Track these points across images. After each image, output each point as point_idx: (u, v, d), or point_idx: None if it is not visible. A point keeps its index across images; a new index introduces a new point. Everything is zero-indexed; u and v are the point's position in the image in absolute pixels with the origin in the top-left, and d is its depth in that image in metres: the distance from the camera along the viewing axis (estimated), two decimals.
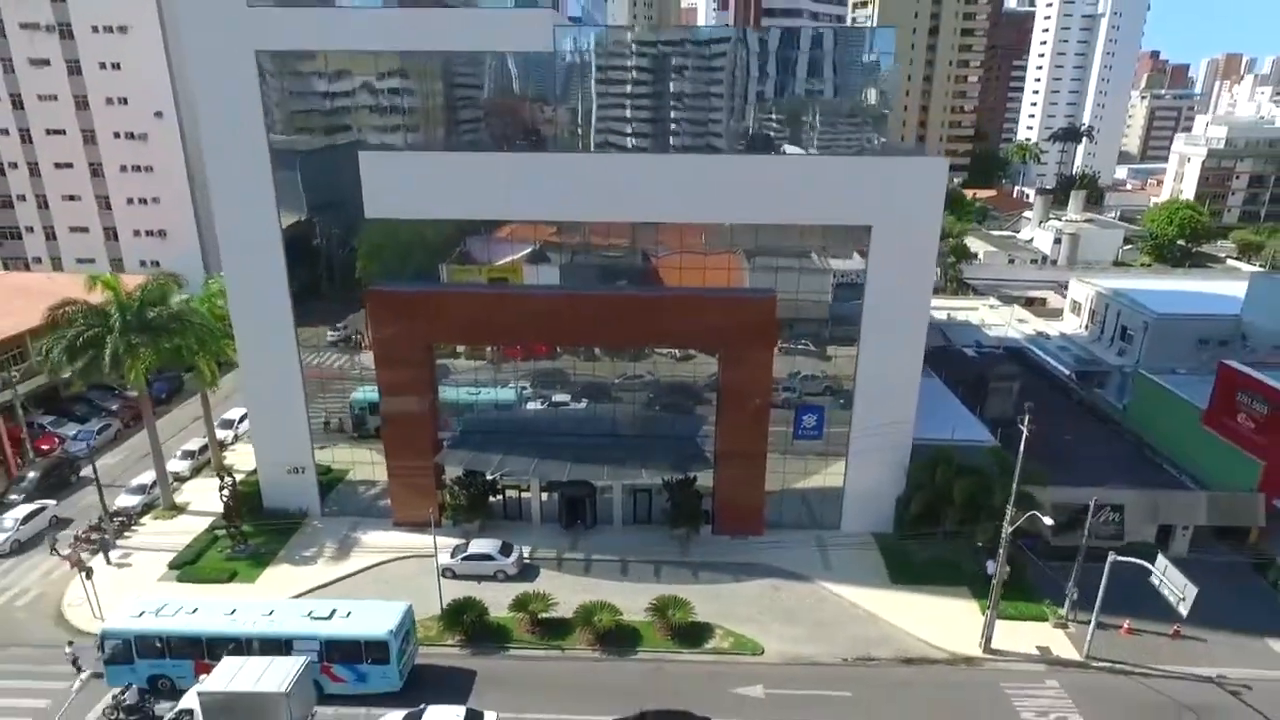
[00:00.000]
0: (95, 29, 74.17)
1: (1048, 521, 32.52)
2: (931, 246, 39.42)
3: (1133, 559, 32.49)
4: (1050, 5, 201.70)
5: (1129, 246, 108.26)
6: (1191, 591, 29.62)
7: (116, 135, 77.27)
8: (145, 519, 45.88)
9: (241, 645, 31.65)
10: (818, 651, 35.27)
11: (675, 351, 42.70)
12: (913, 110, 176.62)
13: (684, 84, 40.61)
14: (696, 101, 41.03)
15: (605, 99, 40.26)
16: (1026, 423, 32.97)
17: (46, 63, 75.26)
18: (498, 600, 36.80)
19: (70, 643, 33.85)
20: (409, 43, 37.90)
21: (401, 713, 30.44)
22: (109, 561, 41.23)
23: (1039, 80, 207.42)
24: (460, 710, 30.12)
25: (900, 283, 38.81)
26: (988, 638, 35.18)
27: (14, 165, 78.77)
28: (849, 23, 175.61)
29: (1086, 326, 68.97)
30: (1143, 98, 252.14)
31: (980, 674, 34.18)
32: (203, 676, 30.61)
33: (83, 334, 41.16)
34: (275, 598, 36.38)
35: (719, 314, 40.04)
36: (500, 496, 44.60)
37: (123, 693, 31.22)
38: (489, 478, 43.53)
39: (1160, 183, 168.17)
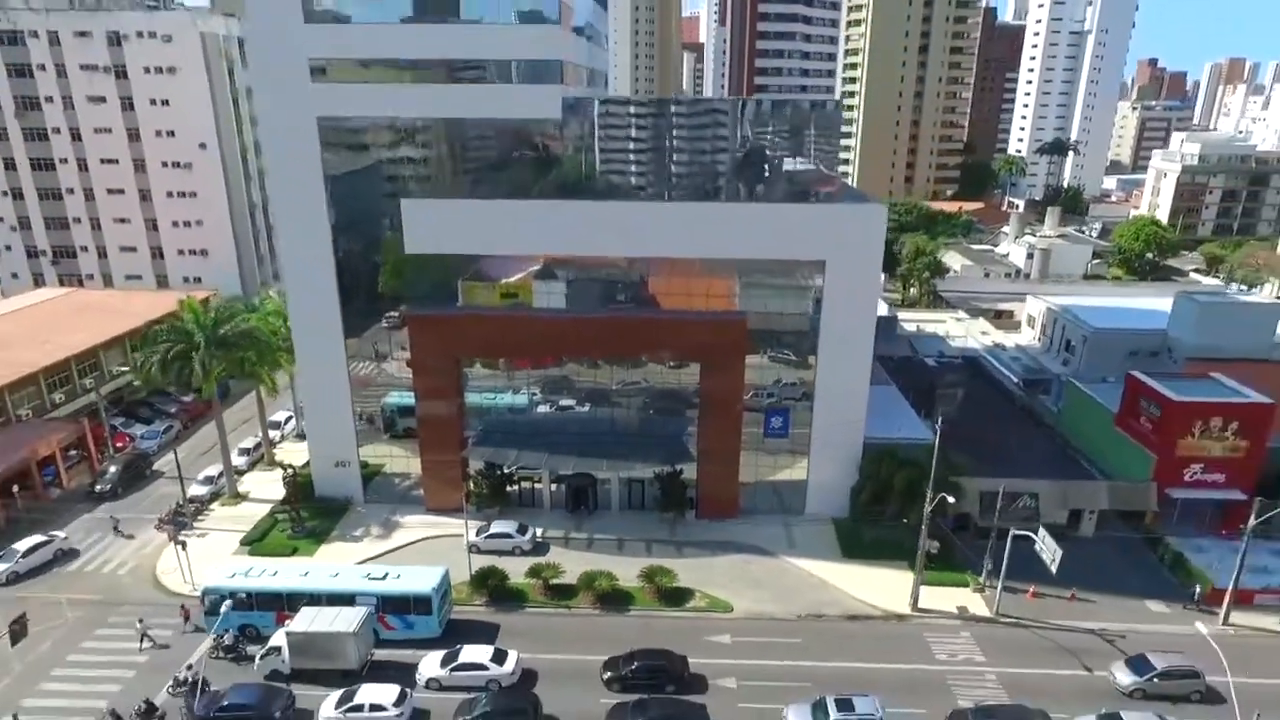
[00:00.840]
0: (147, 70, 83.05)
1: (950, 500, 40.76)
2: (875, 276, 47.84)
3: (1027, 533, 40.75)
4: (1039, 21, 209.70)
5: (1098, 260, 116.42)
6: (1059, 554, 37.93)
7: (164, 164, 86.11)
8: (213, 505, 54.38)
9: (314, 600, 40.06)
10: (777, 610, 43.57)
11: (664, 363, 51.08)
12: (904, 126, 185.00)
13: (674, 142, 49.07)
14: (686, 156, 49.49)
15: (607, 154, 48.74)
16: (940, 423, 41.18)
17: (103, 100, 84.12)
18: (516, 570, 45.16)
19: (140, 620, 41.70)
20: (442, 110, 46.42)
21: (441, 653, 38.80)
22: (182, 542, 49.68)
23: (1029, 94, 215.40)
24: (489, 649, 38.48)
25: (849, 306, 47.13)
26: (915, 599, 43.45)
27: (71, 191, 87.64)
28: (844, 38, 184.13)
29: (1039, 339, 77.25)
30: (1134, 108, 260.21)
31: (908, 627, 42.42)
32: (287, 622, 39.04)
33: (172, 349, 49.73)
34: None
35: (700, 332, 48.41)
36: (516, 486, 53.01)
37: (221, 636, 39.68)
38: (506, 470, 52.01)
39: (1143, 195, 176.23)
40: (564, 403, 53.42)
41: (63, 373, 61.87)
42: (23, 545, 47.30)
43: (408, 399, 52.40)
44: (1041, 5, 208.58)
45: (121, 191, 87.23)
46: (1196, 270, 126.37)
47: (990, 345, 79.42)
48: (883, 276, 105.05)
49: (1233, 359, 60.36)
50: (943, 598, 44.32)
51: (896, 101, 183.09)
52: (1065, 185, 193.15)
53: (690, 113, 58.06)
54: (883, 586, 45.27)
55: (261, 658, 38.20)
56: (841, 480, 50.83)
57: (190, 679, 36.61)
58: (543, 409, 52.90)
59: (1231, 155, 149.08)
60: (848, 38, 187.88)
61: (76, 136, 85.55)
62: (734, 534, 50.18)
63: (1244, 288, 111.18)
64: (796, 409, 50.54)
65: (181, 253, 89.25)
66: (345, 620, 38.15)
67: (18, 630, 35.37)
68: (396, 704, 34.96)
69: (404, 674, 37.69)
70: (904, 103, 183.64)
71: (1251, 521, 41.05)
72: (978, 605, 43.97)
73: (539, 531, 49.93)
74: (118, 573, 47.35)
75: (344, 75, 45.42)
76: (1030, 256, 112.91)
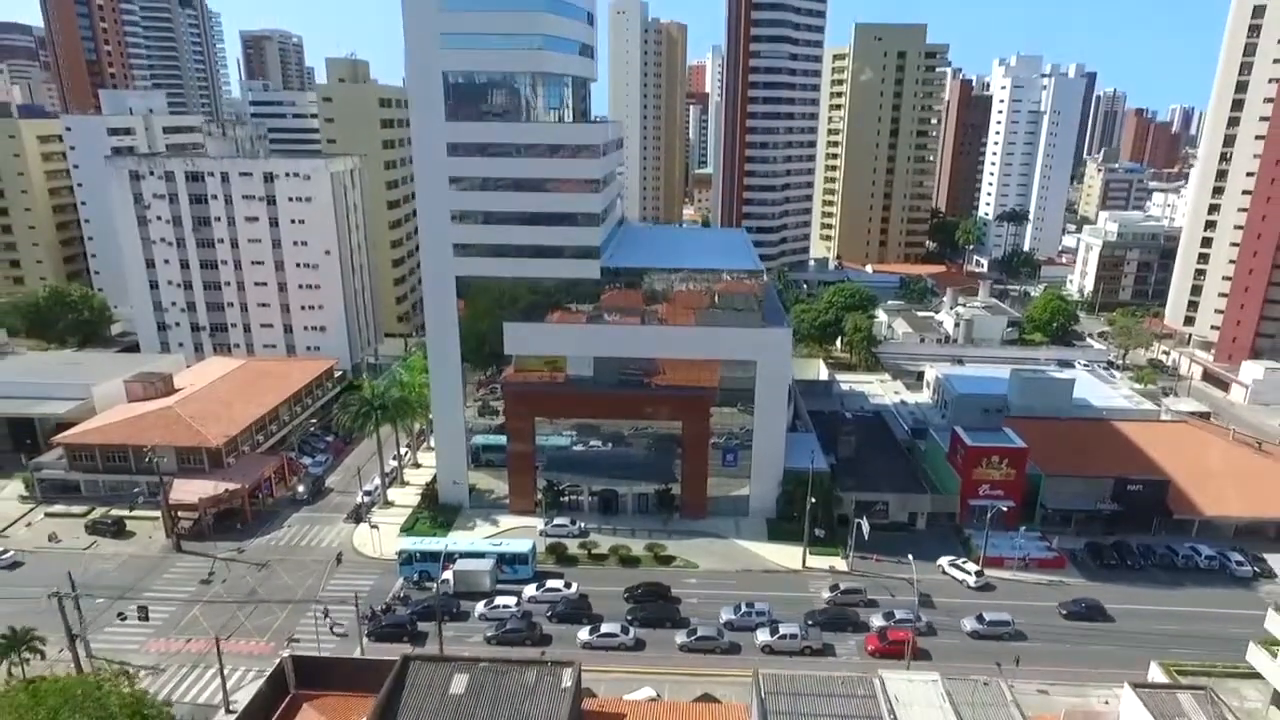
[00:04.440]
0: (290, 198, 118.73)
1: (806, 500, 74.71)
2: (785, 369, 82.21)
3: (861, 520, 74.43)
4: (1002, 101, 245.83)
5: (1012, 328, 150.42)
6: (866, 528, 71.59)
7: (297, 265, 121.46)
8: (374, 509, 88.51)
9: (462, 556, 74.07)
10: (725, 567, 77.21)
11: (659, 419, 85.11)
12: (878, 198, 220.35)
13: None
14: (678, 302, 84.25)
15: (621, 298, 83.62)
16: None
17: (256, 219, 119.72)
18: (571, 546, 79.05)
19: (326, 611, 75.27)
20: (527, 271, 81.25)
21: (534, 585, 72.51)
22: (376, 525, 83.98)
23: (994, 165, 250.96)
24: (561, 582, 72.34)
25: (772, 386, 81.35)
26: (804, 561, 77.07)
27: (228, 284, 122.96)
28: (826, 118, 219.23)
29: (931, 398, 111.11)
30: (1099, 170, 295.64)
31: (797, 576, 75.97)
32: (448, 569, 72.93)
33: (360, 409, 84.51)
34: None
35: (681, 402, 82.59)
36: (567, 496, 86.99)
37: (409, 578, 73.62)
38: (561, 487, 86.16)
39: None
40: (594, 442, 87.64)
41: (261, 420, 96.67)
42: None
43: (489, 439, 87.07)
44: (1004, 87, 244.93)
45: (265, 284, 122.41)
46: (1102, 333, 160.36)
47: (899, 402, 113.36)
48: (837, 342, 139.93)
49: (1041, 416, 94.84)
50: (822, 562, 77.92)
51: (871, 177, 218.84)
52: (1018, 250, 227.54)
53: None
54: (790, 555, 78.79)
55: (439, 584, 72.26)
56: (771, 493, 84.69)
57: (387, 605, 70.28)
58: (578, 447, 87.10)
59: (1144, 233, 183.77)
60: (830, 119, 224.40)
61: (234, 244, 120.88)
62: (703, 526, 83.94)
63: (1122, 352, 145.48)
64: (742, 449, 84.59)
65: (306, 329, 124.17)
66: (482, 565, 72.31)
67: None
68: (515, 605, 68.91)
69: (514, 596, 71.69)
70: (877, 178, 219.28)
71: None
72: (841, 566, 77.58)
73: (582, 524, 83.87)
74: (330, 546, 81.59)
75: (475, 251, 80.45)
76: (958, 325, 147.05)
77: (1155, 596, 74.04)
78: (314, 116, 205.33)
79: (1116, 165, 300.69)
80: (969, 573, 75.38)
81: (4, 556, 77.77)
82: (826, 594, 71.98)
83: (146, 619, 62.78)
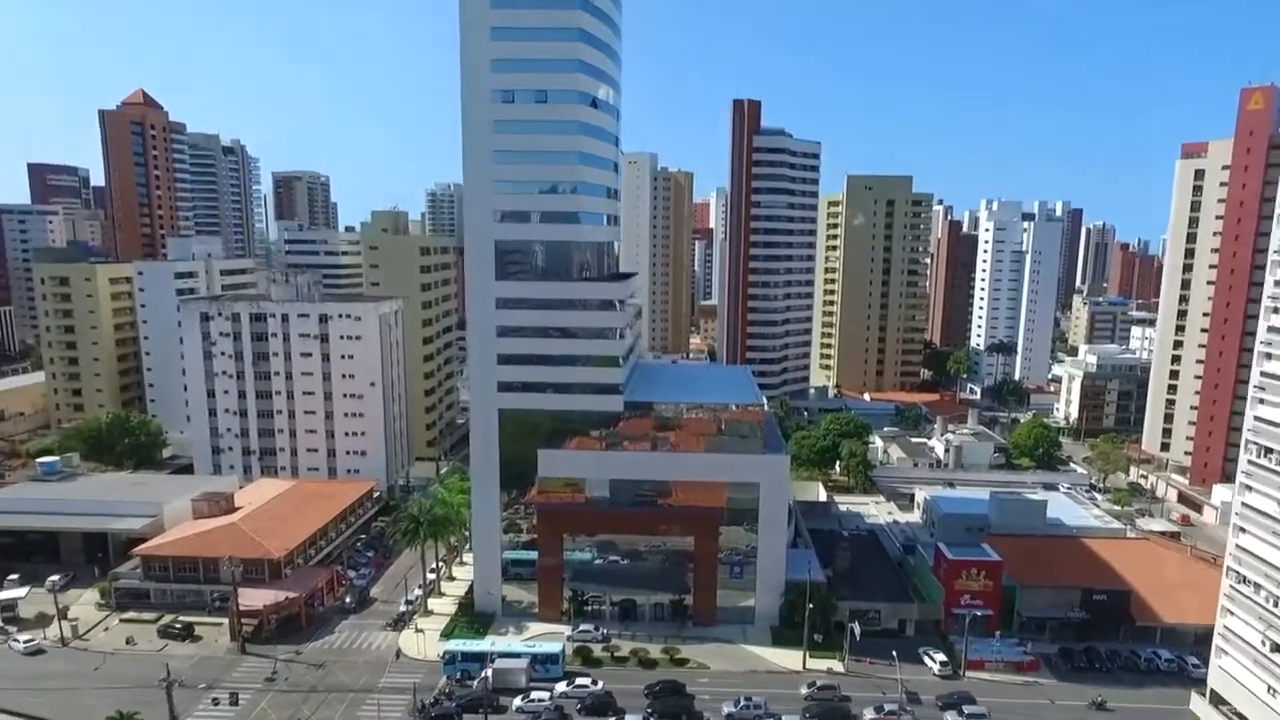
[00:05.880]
0: (341, 336, 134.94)
1: (806, 608, 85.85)
2: (785, 491, 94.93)
3: (853, 625, 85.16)
4: (987, 242, 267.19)
5: (999, 454, 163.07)
6: (858, 631, 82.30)
7: (344, 395, 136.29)
8: (415, 616, 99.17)
9: (500, 656, 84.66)
10: (733, 668, 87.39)
11: (672, 535, 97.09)
12: (873, 332, 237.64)
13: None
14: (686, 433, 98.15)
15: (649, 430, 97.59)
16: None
17: (310, 354, 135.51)
18: (595, 649, 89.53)
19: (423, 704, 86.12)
20: (554, 404, 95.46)
21: (564, 683, 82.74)
22: (421, 630, 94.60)
23: (983, 299, 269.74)
24: (589, 679, 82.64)
25: (772, 503, 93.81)
26: (804, 663, 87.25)
27: (279, 411, 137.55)
28: (822, 258, 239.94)
29: (921, 518, 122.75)
30: (1085, 304, 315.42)
31: (798, 676, 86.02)
32: (487, 669, 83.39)
33: (409, 525, 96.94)
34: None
35: (692, 519, 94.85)
36: (591, 605, 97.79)
37: (452, 677, 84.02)
38: (585, 596, 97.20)
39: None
40: (613, 557, 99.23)
41: (313, 536, 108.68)
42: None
43: (517, 554, 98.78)
44: (988, 229, 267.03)
45: (313, 412, 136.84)
46: (1086, 458, 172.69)
47: (892, 521, 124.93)
48: (836, 466, 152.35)
49: (1018, 534, 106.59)
50: (821, 664, 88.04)
51: (866, 311, 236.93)
52: (1008, 379, 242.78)
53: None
54: (792, 658, 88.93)
55: (478, 682, 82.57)
56: (774, 602, 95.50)
57: (435, 699, 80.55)
58: (599, 561, 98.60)
59: (1121, 364, 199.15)
60: (826, 258, 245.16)
61: (288, 377, 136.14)
62: (714, 632, 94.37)
63: (1102, 476, 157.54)
64: (748, 563, 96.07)
65: (348, 453, 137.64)
66: (518, 664, 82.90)
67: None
68: (549, 700, 79.12)
69: (546, 691, 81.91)
70: (872, 312, 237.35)
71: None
72: (839, 668, 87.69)
73: (604, 630, 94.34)
74: (379, 649, 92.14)
75: (516, 388, 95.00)
76: (948, 450, 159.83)
77: (1121, 695, 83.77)
78: (344, 254, 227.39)
79: (1101, 299, 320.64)
80: (936, 661, 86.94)
81: (29, 644, 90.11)
82: (804, 690, 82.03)
83: (237, 704, 73.34)
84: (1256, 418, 71.60)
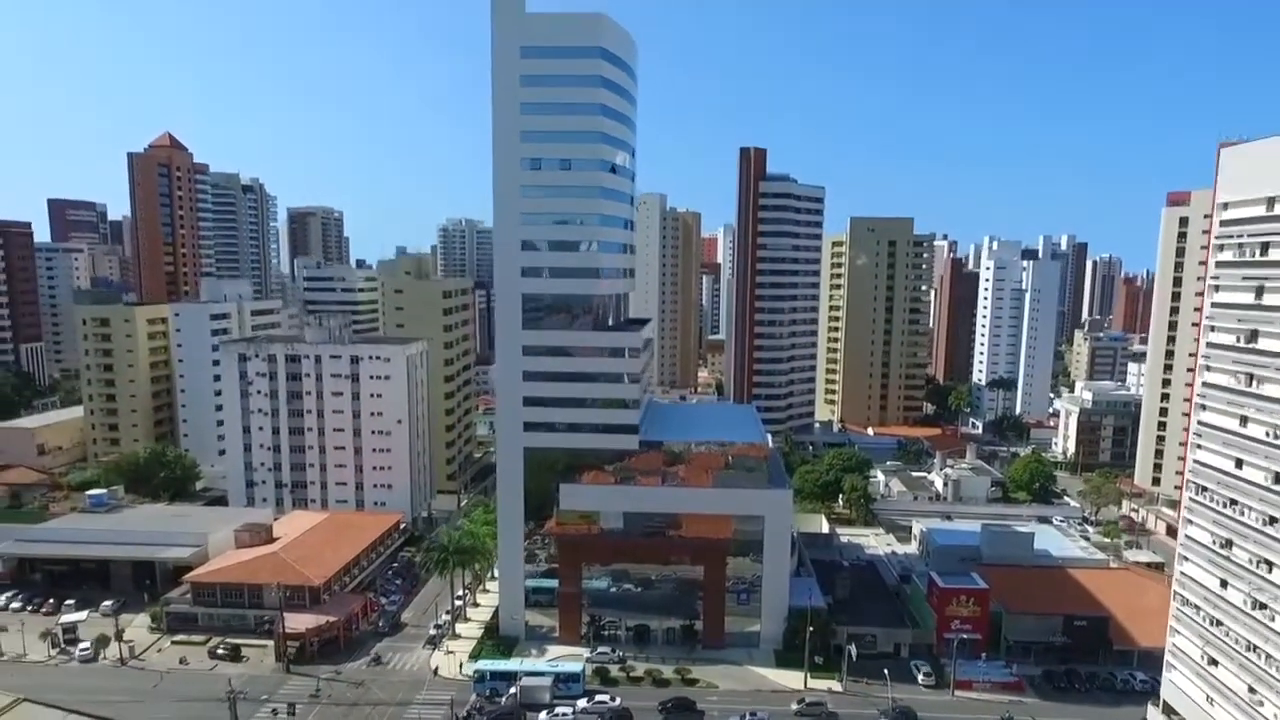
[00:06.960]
0: (371, 376, 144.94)
1: (807, 633, 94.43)
2: (788, 523, 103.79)
3: (850, 647, 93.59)
4: (987, 281, 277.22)
5: (995, 488, 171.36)
6: (854, 653, 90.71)
7: (373, 432, 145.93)
8: (444, 639, 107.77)
9: (527, 675, 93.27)
10: (740, 688, 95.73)
11: (683, 563, 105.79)
12: (877, 368, 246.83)
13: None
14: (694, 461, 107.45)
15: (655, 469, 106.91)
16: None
17: (340, 394, 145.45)
18: (612, 670, 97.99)
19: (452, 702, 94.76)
20: (571, 442, 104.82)
21: (585, 700, 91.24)
22: (452, 651, 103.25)
23: (984, 336, 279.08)
24: (608, 696, 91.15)
25: (776, 535, 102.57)
26: (805, 683, 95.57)
27: (311, 447, 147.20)
28: (827, 297, 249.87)
29: (917, 549, 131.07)
30: (1085, 339, 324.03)
31: (800, 694, 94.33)
32: (515, 686, 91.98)
33: (439, 556, 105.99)
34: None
35: (702, 549, 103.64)
36: (608, 630, 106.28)
37: (483, 694, 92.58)
38: (602, 621, 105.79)
39: None
40: (627, 585, 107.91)
41: (348, 564, 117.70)
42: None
43: (538, 582, 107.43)
44: (988, 269, 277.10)
45: (343, 448, 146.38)
46: (1080, 491, 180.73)
47: (891, 552, 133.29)
48: (838, 499, 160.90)
49: (1006, 564, 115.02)
50: (822, 684, 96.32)
51: (870, 348, 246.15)
52: (1008, 414, 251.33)
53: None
54: (794, 679, 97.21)
55: (507, 698, 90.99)
56: (778, 627, 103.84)
57: (469, 713, 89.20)
58: (613, 590, 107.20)
59: (1116, 400, 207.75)
60: (831, 297, 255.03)
61: (320, 414, 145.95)
62: (722, 655, 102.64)
63: (1094, 509, 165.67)
64: (753, 591, 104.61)
65: (375, 486, 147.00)
66: (545, 681, 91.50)
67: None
68: (572, 714, 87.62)
69: (569, 707, 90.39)
70: (875, 349, 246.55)
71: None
72: (837, 687, 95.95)
73: (620, 653, 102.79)
74: (413, 669, 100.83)
75: (540, 428, 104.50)
76: (946, 484, 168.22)
77: (1099, 714, 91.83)
78: (361, 290, 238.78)
79: (1102, 334, 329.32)
80: (922, 673, 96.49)
81: (84, 650, 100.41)
82: (794, 706, 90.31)
83: (294, 714, 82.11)
84: (1196, 461, 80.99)
